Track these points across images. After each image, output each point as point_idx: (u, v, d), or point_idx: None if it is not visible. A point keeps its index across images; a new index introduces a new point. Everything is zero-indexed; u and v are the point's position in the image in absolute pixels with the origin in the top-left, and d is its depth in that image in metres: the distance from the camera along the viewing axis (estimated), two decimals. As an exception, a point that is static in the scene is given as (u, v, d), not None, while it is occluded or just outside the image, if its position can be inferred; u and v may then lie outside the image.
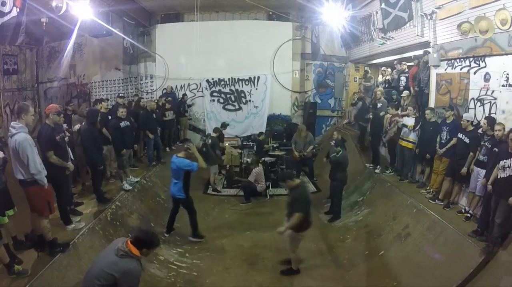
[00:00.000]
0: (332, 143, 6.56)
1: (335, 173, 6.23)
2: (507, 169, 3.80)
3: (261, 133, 9.13)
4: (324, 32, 10.44)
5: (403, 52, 7.81)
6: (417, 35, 6.38)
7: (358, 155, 8.25)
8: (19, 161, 3.39)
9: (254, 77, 10.69)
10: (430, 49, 6.15)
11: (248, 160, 8.64)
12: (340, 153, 6.14)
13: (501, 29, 4.51)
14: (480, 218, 4.26)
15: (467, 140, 4.85)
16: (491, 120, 4.49)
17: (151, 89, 11.06)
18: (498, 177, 3.93)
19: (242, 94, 10.80)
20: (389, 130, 6.68)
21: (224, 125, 9.14)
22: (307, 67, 11.19)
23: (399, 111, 6.80)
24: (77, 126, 5.61)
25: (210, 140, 7.88)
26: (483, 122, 4.60)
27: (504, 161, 3.84)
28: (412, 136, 6.14)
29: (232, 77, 10.75)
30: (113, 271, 2.52)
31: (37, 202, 3.58)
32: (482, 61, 5.00)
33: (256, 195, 7.57)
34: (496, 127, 4.25)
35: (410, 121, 6.16)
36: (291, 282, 4.54)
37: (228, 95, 10.87)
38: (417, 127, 6.02)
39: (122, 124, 6.03)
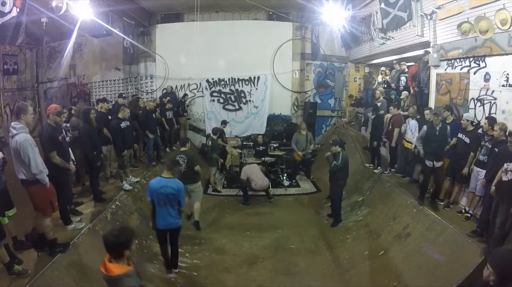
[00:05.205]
0: (331, 151, 6.04)
1: (335, 178, 6.03)
2: (509, 172, 3.72)
3: (258, 135, 9.23)
4: (324, 32, 10.42)
5: (403, 52, 7.80)
6: (417, 35, 6.38)
7: (358, 154, 8.25)
8: (21, 161, 3.40)
9: (254, 77, 10.68)
10: (430, 49, 6.14)
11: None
12: (340, 159, 5.83)
13: (501, 29, 4.51)
14: (480, 218, 4.26)
15: (467, 140, 4.84)
16: (491, 120, 4.48)
17: (151, 89, 11.05)
18: (502, 180, 3.86)
19: (242, 94, 10.80)
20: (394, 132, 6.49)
21: (224, 122, 9.17)
22: (307, 67, 11.17)
23: (400, 111, 6.79)
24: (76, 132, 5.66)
25: (210, 142, 7.88)
26: (484, 122, 4.59)
27: (508, 163, 3.77)
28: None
29: (232, 77, 10.74)
30: None
31: (39, 201, 3.59)
32: (482, 61, 5.00)
33: (256, 195, 7.49)
34: (496, 127, 4.25)
35: (414, 126, 6.08)
36: (291, 281, 4.54)
37: (228, 95, 10.87)
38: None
39: (123, 125, 6.00)
